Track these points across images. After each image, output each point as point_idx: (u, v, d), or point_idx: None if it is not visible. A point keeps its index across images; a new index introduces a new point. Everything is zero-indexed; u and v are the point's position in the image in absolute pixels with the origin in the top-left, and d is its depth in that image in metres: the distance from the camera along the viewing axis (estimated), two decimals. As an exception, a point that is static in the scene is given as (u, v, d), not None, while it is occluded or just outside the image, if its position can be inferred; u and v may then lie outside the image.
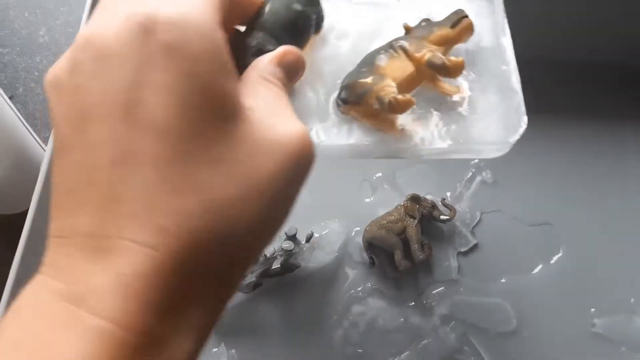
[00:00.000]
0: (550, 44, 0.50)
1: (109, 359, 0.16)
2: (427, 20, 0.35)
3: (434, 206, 0.49)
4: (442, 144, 0.31)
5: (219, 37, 0.20)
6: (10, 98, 0.47)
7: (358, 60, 0.34)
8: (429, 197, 0.49)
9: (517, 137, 0.31)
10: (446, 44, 0.34)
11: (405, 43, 0.33)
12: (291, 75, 0.26)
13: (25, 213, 0.45)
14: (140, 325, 0.17)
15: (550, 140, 0.49)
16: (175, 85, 0.18)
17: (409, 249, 0.48)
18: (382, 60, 0.32)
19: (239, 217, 0.19)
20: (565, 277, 0.43)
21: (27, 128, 0.46)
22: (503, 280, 0.44)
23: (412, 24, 0.35)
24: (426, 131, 0.32)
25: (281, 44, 0.29)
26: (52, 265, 0.19)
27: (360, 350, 0.42)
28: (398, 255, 0.47)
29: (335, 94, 0.33)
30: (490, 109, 0.33)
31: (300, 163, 0.21)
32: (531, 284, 0.44)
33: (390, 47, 0.33)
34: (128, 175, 0.18)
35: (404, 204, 0.48)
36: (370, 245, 0.49)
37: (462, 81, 0.34)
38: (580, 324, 0.41)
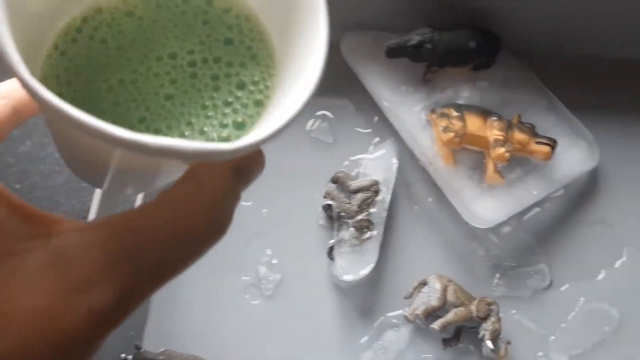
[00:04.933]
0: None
1: None
2: (533, 125, 0.44)
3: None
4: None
5: None
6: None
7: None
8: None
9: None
10: (522, 145, 0.42)
11: (501, 121, 0.43)
12: None
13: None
14: None
15: (608, 134, 0.46)
16: None
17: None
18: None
19: None
20: (631, 281, 0.43)
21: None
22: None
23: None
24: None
25: None
26: None
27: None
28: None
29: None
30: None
31: None
32: (595, 291, 0.42)
33: (499, 115, 0.43)
34: None
35: (481, 301, 0.40)
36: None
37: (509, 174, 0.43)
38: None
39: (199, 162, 0.16)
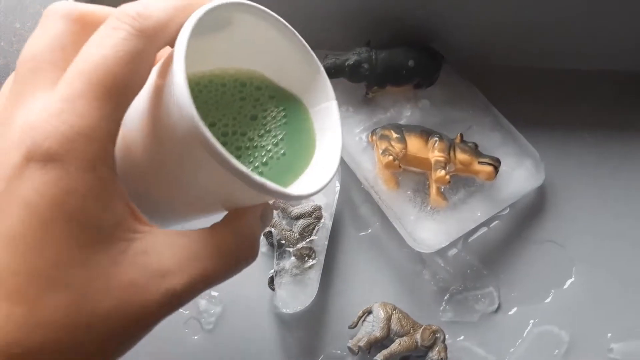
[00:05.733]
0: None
1: None
2: (476, 144, 0.42)
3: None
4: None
5: (103, 172, 0.19)
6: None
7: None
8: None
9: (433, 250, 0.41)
10: (465, 166, 0.42)
11: (442, 141, 0.42)
12: None
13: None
14: None
15: (554, 150, 0.45)
16: (37, 206, 0.18)
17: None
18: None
19: (65, 345, 0.19)
20: (580, 302, 0.42)
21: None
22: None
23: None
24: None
25: None
26: None
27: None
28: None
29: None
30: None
31: (141, 329, 0.21)
32: (544, 313, 0.42)
33: (440, 134, 0.42)
34: None
35: (425, 329, 0.39)
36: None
37: (452, 196, 0.42)
38: (597, 350, 0.41)
39: (242, 208, 0.24)
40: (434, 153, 0.41)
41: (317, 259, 0.41)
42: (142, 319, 0.20)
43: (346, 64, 0.42)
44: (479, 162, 0.41)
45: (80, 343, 0.19)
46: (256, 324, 0.42)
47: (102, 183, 0.20)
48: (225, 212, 0.24)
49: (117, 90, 0.19)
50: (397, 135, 0.42)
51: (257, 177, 0.20)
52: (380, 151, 0.41)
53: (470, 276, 0.43)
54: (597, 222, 0.44)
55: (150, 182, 0.24)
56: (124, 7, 0.21)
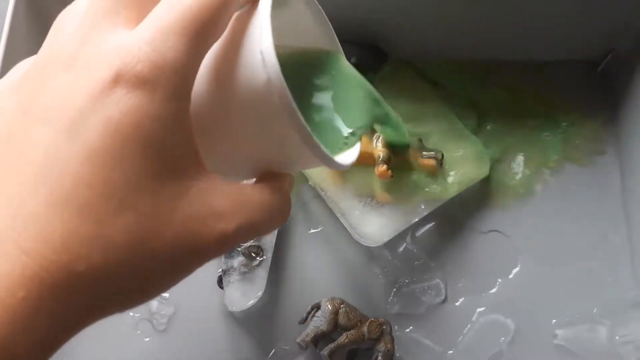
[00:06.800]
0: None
1: None
2: (420, 139, 0.43)
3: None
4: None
5: (183, 105, 0.21)
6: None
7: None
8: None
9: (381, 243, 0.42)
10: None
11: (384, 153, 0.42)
12: None
13: None
14: None
15: (505, 143, 0.46)
16: (120, 125, 0.19)
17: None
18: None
19: (126, 267, 0.19)
20: (525, 290, 0.43)
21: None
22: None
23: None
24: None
25: None
26: None
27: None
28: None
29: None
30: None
31: (195, 263, 0.21)
32: (490, 302, 0.42)
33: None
34: (43, 183, 0.19)
35: (372, 322, 0.40)
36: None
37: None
38: (542, 336, 0.42)
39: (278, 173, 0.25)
40: (377, 148, 0.42)
41: (265, 256, 0.42)
42: (197, 253, 0.21)
43: None
44: (422, 156, 0.42)
45: (141, 265, 0.19)
46: (208, 323, 0.43)
47: (181, 117, 0.20)
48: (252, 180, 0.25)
49: (206, 30, 0.20)
50: None
51: (323, 147, 0.22)
52: None
53: (418, 269, 0.43)
54: (542, 212, 0.45)
55: (208, 129, 0.24)
56: None
